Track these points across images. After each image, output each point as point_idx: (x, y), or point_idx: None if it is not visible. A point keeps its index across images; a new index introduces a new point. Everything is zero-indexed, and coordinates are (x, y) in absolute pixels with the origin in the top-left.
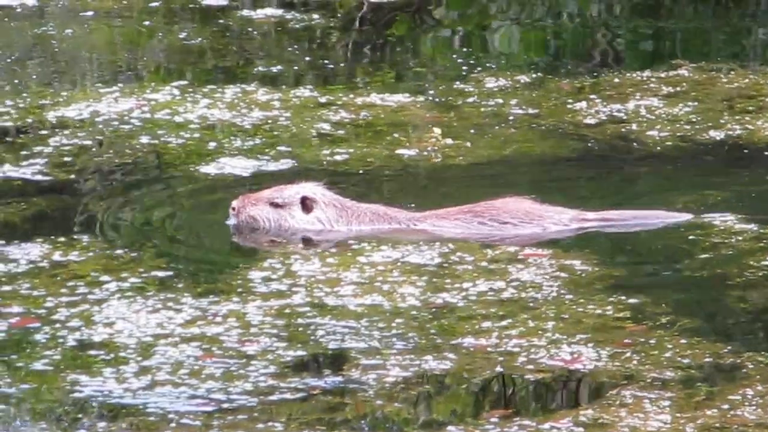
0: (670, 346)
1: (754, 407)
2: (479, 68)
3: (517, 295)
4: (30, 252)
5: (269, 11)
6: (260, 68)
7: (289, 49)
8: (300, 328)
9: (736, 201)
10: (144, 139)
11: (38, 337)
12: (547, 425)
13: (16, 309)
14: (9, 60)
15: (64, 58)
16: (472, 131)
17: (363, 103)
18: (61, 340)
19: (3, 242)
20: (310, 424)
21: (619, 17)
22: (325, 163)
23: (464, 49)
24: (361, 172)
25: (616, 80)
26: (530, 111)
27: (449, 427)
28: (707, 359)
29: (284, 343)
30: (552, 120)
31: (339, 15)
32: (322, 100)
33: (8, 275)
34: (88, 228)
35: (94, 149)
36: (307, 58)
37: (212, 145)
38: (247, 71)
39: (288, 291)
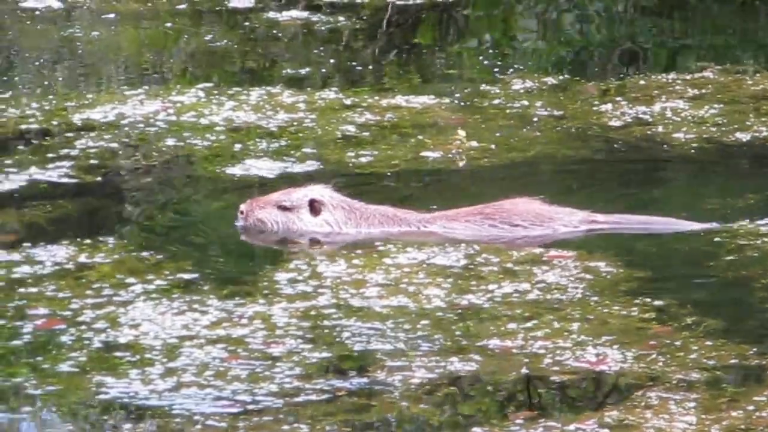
0: (695, 348)
1: None
2: (505, 70)
3: (542, 297)
4: (56, 254)
5: (294, 13)
6: (286, 71)
7: (315, 51)
8: (325, 330)
9: (763, 203)
10: (170, 142)
11: (64, 338)
12: (572, 427)
13: (41, 311)
14: (35, 62)
15: (90, 61)
16: (497, 134)
17: (388, 105)
18: (86, 342)
19: (29, 244)
20: (336, 426)
21: (644, 18)
22: (350, 164)
23: (490, 51)
24: (389, 174)
25: (642, 82)
26: (555, 113)
27: (474, 429)
28: (732, 360)
29: (310, 345)
30: (577, 122)
31: (364, 17)
32: (347, 102)
33: (34, 277)
34: (114, 230)
35: (120, 152)
36: (332, 60)
37: (238, 147)
38: (273, 73)
39: (313, 292)
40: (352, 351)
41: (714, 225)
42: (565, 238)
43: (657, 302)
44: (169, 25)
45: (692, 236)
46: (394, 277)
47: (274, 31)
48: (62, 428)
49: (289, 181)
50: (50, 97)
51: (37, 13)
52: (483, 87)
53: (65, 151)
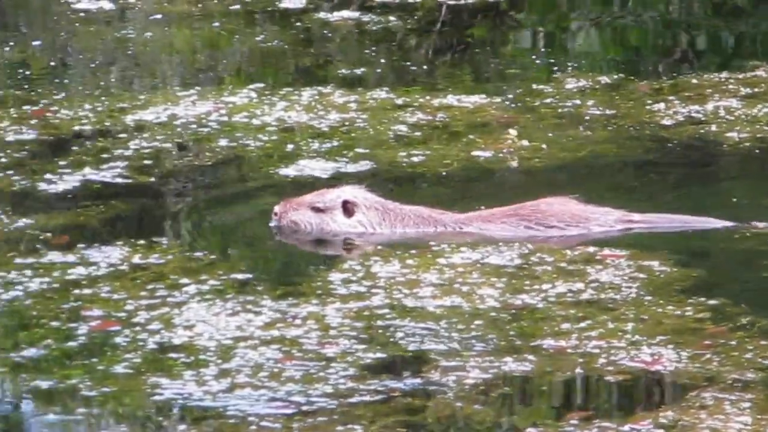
0: (750, 348)
1: None
2: (558, 69)
3: (596, 297)
4: (110, 255)
5: (346, 13)
6: (338, 71)
7: (366, 51)
8: (379, 330)
9: None
10: (222, 142)
11: (118, 340)
12: (626, 427)
13: (96, 312)
14: (88, 64)
15: (143, 61)
16: (549, 133)
17: (440, 105)
18: (141, 343)
19: (83, 245)
20: (390, 427)
21: (698, 17)
22: (404, 164)
23: (543, 50)
24: (444, 173)
25: (694, 81)
26: (607, 112)
27: (529, 429)
28: None
29: (364, 345)
30: (629, 121)
31: (416, 17)
32: (399, 101)
33: (88, 278)
34: (167, 231)
35: (173, 152)
36: (383, 60)
37: (290, 147)
38: (324, 73)
39: (367, 293)
40: (406, 351)
41: (757, 224)
42: (607, 238)
43: (711, 302)
44: (216, 24)
45: (746, 235)
46: (447, 277)
47: (325, 31)
48: (117, 430)
49: (341, 181)
50: (103, 98)
51: (90, 14)
52: (535, 86)
53: (119, 151)
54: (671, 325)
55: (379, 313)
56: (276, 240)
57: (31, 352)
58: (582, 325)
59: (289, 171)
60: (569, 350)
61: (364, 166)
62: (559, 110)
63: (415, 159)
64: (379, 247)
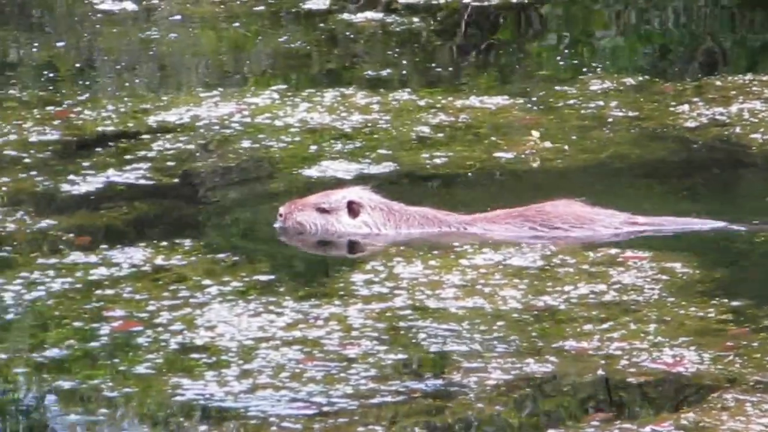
0: None
1: None
2: (583, 70)
3: (618, 298)
4: (133, 256)
5: (369, 14)
6: (361, 72)
7: (390, 52)
8: (401, 331)
9: None
10: (245, 143)
11: (141, 340)
12: (648, 429)
13: (118, 313)
14: (111, 65)
15: (166, 62)
16: (572, 135)
17: (462, 106)
18: (163, 344)
19: (106, 246)
20: (411, 428)
21: (725, 19)
22: (427, 165)
23: (566, 51)
24: (470, 175)
25: (718, 83)
26: (630, 114)
27: (550, 430)
28: None
29: (385, 346)
30: (652, 123)
31: (439, 18)
32: (421, 103)
33: (111, 279)
34: (190, 232)
35: (197, 153)
36: (404, 61)
37: (313, 148)
38: (348, 75)
39: (389, 294)
40: (428, 352)
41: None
42: (606, 240)
43: (734, 303)
44: (237, 25)
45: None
46: (470, 278)
47: (349, 33)
48: (139, 430)
49: (364, 182)
50: (127, 99)
51: (113, 15)
52: (559, 87)
53: (142, 153)
54: (693, 326)
55: (401, 314)
56: (299, 241)
57: (53, 352)
58: (604, 326)
59: (312, 172)
60: (591, 352)
61: (387, 167)
62: (582, 111)
63: (437, 161)
64: (402, 248)
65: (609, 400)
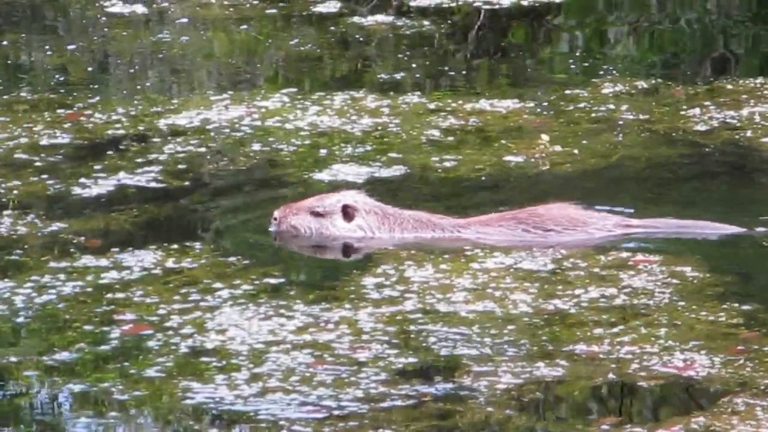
0: None
1: None
2: (595, 74)
3: (628, 302)
4: (143, 259)
5: (380, 18)
6: (372, 75)
7: (401, 55)
8: (411, 335)
9: None
10: (256, 147)
11: (151, 343)
12: None
13: (129, 316)
14: (122, 68)
15: (176, 66)
16: (582, 139)
17: (472, 110)
18: (173, 347)
19: (117, 249)
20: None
21: (737, 24)
22: (437, 169)
23: (578, 55)
24: (484, 179)
25: (729, 87)
26: (641, 117)
27: None
28: None
29: (395, 350)
30: (663, 126)
31: (450, 21)
32: (431, 106)
33: (121, 282)
34: (200, 235)
35: (207, 157)
36: (414, 65)
37: (323, 152)
38: (358, 78)
39: (400, 297)
40: (438, 356)
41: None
42: (599, 243)
43: (744, 307)
44: (246, 28)
45: None
46: (480, 282)
47: (358, 36)
48: None
49: (376, 185)
50: (138, 102)
51: (124, 18)
52: (570, 91)
53: (153, 156)
54: (704, 330)
55: (411, 317)
56: (309, 244)
57: (64, 355)
58: (614, 330)
59: (323, 175)
60: (602, 355)
61: (398, 170)
62: (593, 115)
63: (447, 164)
64: (413, 252)
65: (618, 405)
